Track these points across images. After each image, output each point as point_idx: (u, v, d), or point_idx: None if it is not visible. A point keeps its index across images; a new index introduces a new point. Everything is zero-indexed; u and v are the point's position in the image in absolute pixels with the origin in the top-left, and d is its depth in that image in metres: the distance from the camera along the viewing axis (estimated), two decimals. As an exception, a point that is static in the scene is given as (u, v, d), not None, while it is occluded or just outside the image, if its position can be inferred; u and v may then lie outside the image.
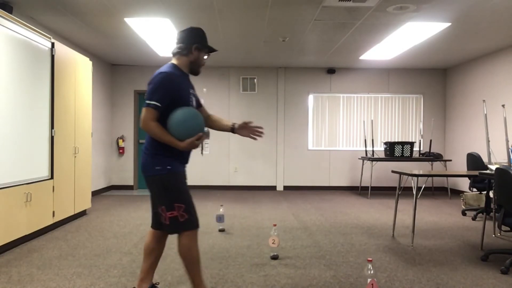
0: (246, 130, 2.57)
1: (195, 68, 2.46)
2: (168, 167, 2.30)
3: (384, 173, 8.48)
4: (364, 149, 8.33)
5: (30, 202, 4.03)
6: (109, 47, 6.72)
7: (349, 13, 4.75)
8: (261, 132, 2.57)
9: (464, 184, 7.66)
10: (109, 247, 3.86)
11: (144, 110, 2.23)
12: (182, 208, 2.28)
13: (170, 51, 2.55)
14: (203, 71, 8.32)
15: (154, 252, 2.49)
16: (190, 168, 8.30)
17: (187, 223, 2.29)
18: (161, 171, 2.29)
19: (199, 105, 2.58)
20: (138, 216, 5.42)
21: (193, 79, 8.32)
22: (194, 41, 2.41)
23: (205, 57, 2.48)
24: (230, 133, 8.33)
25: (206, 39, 2.48)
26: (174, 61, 2.43)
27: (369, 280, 2.45)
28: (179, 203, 2.28)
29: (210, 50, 2.49)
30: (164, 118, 2.27)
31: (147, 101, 2.23)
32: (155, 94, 2.22)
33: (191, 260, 2.31)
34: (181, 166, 2.37)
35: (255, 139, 2.61)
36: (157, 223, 2.46)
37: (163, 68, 2.31)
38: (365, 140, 8.07)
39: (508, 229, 4.60)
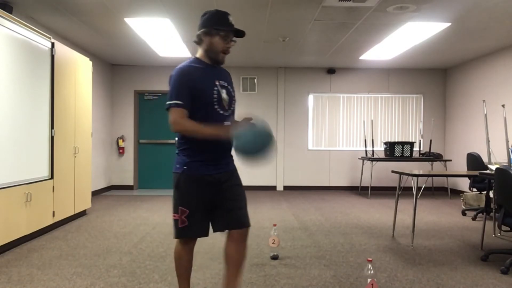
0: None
1: (212, 56, 2.17)
2: (184, 167, 2.13)
3: (384, 173, 8.48)
4: (364, 149, 8.33)
5: (30, 202, 4.03)
6: (109, 47, 6.72)
7: (349, 13, 4.75)
8: None
9: (464, 184, 7.65)
10: (109, 247, 3.86)
11: (169, 112, 2.06)
12: (185, 213, 2.12)
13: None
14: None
15: (229, 255, 2.22)
16: (190, 168, 8.29)
17: (183, 231, 2.15)
18: (177, 169, 2.16)
19: (231, 100, 2.25)
20: (138, 216, 5.42)
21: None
22: (202, 26, 2.15)
23: (224, 41, 2.15)
24: (230, 133, 8.33)
25: (221, 20, 2.15)
26: (197, 53, 2.24)
27: (369, 280, 2.45)
28: (183, 207, 2.13)
29: (229, 31, 2.15)
30: (193, 118, 2.08)
31: (167, 103, 2.07)
32: (173, 93, 2.07)
33: (176, 267, 2.25)
34: (203, 168, 2.12)
35: None
36: (221, 225, 2.21)
37: (180, 64, 2.16)
38: (365, 140, 8.07)
39: (508, 229, 4.60)
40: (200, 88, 2.09)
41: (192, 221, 2.13)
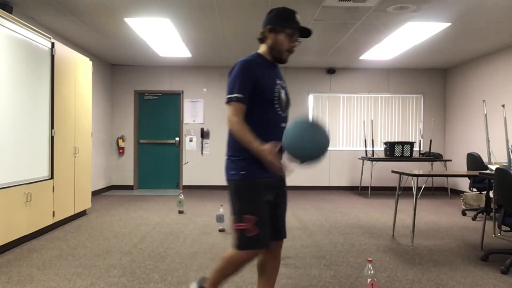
0: None
1: (276, 54, 2.08)
2: (242, 172, 1.98)
3: (384, 173, 8.48)
4: (364, 149, 8.33)
5: (30, 202, 4.03)
6: (109, 47, 6.72)
7: (349, 13, 4.75)
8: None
9: (464, 184, 7.65)
10: (109, 247, 3.86)
11: (227, 107, 1.96)
12: (254, 220, 1.94)
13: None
14: (203, 70, 8.33)
15: (268, 268, 2.15)
16: (190, 168, 8.30)
17: (254, 241, 1.95)
18: (234, 176, 2.00)
19: (288, 102, 2.17)
20: (138, 216, 5.42)
21: (192, 78, 8.32)
22: (268, 23, 2.06)
23: (290, 39, 2.07)
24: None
25: (288, 18, 2.07)
26: (259, 49, 2.15)
27: (369, 280, 2.45)
28: (250, 215, 1.95)
29: (295, 30, 2.07)
30: (250, 114, 1.98)
31: (228, 96, 1.96)
32: (235, 85, 1.95)
33: (224, 271, 2.03)
34: (261, 172, 1.99)
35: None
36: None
37: (242, 58, 2.05)
38: (365, 140, 8.07)
39: (508, 229, 4.60)
40: (264, 84, 2.00)
41: (263, 228, 1.97)
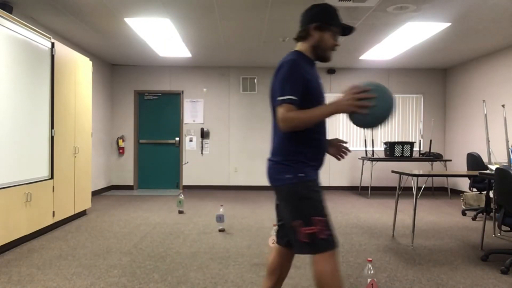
0: (335, 148, 2.18)
1: (320, 53, 2.00)
2: (300, 174, 1.90)
3: (384, 173, 8.48)
4: (364, 149, 8.33)
5: (30, 202, 4.03)
6: (109, 47, 6.72)
7: (349, 13, 4.75)
8: (346, 153, 2.19)
9: (464, 184, 7.65)
10: (109, 247, 3.86)
11: (278, 110, 1.82)
12: (323, 222, 1.85)
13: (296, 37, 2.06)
14: (203, 70, 8.33)
15: (277, 273, 2.11)
16: (190, 168, 8.30)
17: (328, 241, 1.85)
18: (292, 179, 1.89)
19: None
20: (138, 216, 5.42)
21: (192, 78, 8.32)
22: (312, 20, 1.97)
23: (334, 37, 2.01)
24: (230, 133, 8.34)
25: (334, 16, 2.00)
26: (297, 47, 2.04)
27: (369, 280, 2.45)
28: (318, 217, 1.85)
29: (340, 28, 2.02)
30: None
31: (280, 98, 1.82)
32: (286, 86, 1.82)
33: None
34: (314, 173, 1.97)
35: (338, 159, 2.21)
36: (286, 240, 2.06)
37: (287, 56, 1.93)
38: (365, 140, 8.07)
39: (508, 229, 4.60)
40: (314, 85, 1.91)
41: (331, 227, 1.89)
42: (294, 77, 1.84)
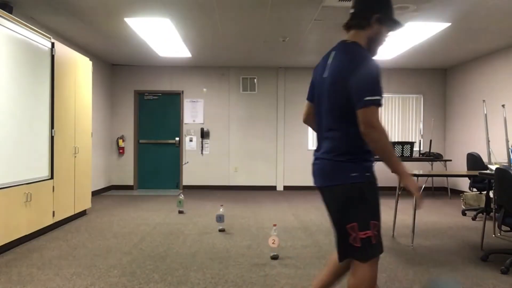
0: None
1: (373, 46, 1.86)
2: (367, 174, 1.78)
3: (384, 173, 8.46)
4: (364, 149, 8.32)
5: (30, 202, 4.03)
6: (109, 47, 6.72)
7: (349, 13, 4.75)
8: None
9: (464, 184, 7.65)
10: (109, 247, 3.86)
11: (367, 110, 1.65)
12: (377, 226, 1.76)
13: (350, 25, 1.89)
14: (203, 70, 8.33)
15: (342, 271, 2.00)
16: (190, 168, 8.30)
17: (378, 247, 1.76)
18: (358, 178, 1.75)
19: None
20: (138, 216, 5.42)
21: (192, 78, 8.32)
22: (375, 10, 1.82)
23: (387, 32, 1.88)
24: (230, 133, 8.34)
25: (393, 9, 1.87)
26: (351, 37, 1.87)
27: (369, 280, 2.45)
28: (375, 221, 1.75)
29: (395, 23, 1.87)
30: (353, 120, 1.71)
31: (369, 98, 1.64)
32: (375, 87, 1.66)
33: None
34: (375, 174, 1.85)
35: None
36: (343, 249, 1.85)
37: (357, 48, 1.79)
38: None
39: (508, 229, 4.60)
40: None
41: (380, 232, 1.80)
42: (380, 77, 1.69)
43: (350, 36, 1.88)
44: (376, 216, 1.76)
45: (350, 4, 1.92)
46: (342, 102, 1.75)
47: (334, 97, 1.79)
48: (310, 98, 2.09)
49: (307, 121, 2.15)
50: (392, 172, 1.78)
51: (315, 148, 1.98)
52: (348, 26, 1.89)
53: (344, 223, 1.77)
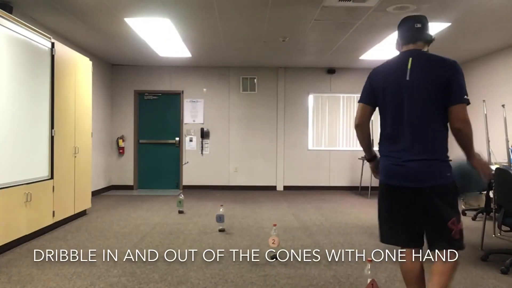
0: None
1: None
2: (449, 174, 2.07)
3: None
4: (364, 149, 8.32)
5: (30, 202, 4.03)
6: (109, 47, 6.72)
7: (349, 13, 4.75)
8: None
9: (464, 184, 7.64)
10: (109, 247, 3.86)
11: (464, 106, 2.02)
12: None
13: (418, 37, 2.19)
14: (203, 70, 8.32)
15: (422, 276, 2.20)
16: (190, 168, 8.30)
17: (463, 238, 2.07)
18: (450, 178, 2.04)
19: None
20: (138, 216, 5.42)
21: (192, 78, 8.32)
22: (429, 34, 2.19)
23: None
24: (230, 133, 8.34)
25: None
26: (420, 47, 2.18)
27: (369, 280, 2.45)
28: (461, 215, 2.09)
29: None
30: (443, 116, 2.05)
31: (467, 98, 2.01)
32: (466, 88, 2.02)
33: (451, 281, 2.04)
34: None
35: None
36: (418, 242, 2.25)
37: (448, 58, 2.08)
38: (365, 140, 8.06)
39: (508, 229, 4.59)
40: None
41: None
42: None
43: (419, 46, 2.15)
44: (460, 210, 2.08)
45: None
46: (439, 98, 2.01)
47: (433, 96, 2.01)
48: (372, 102, 2.24)
49: (362, 124, 2.37)
50: (467, 156, 2.09)
51: (393, 148, 2.18)
52: (415, 39, 2.17)
53: (446, 220, 2.00)
